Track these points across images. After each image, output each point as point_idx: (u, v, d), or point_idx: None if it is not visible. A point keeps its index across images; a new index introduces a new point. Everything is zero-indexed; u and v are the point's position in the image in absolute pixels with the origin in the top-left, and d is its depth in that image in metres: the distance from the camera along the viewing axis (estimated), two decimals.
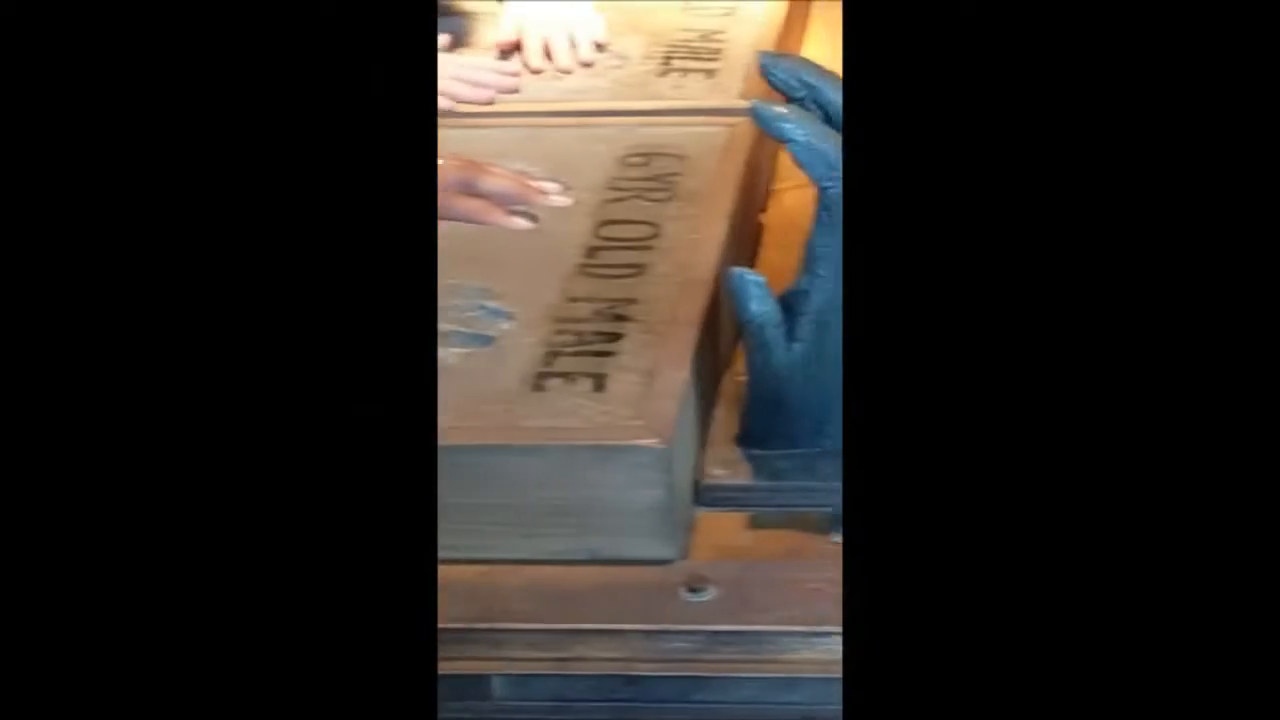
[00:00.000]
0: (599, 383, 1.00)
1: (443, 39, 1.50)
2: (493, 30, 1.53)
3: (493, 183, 1.20)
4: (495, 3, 1.58)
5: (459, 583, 0.94)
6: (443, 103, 1.35)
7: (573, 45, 1.45)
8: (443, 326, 1.06)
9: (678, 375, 1.00)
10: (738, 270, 0.99)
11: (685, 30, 1.50)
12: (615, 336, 1.04)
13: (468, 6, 1.60)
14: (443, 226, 1.17)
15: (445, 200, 1.19)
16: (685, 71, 1.41)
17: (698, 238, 1.14)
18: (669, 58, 1.44)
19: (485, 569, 0.95)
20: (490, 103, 1.39)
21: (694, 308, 1.06)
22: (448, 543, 0.94)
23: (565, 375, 1.01)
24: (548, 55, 1.45)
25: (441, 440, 0.95)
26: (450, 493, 0.94)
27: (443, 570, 0.93)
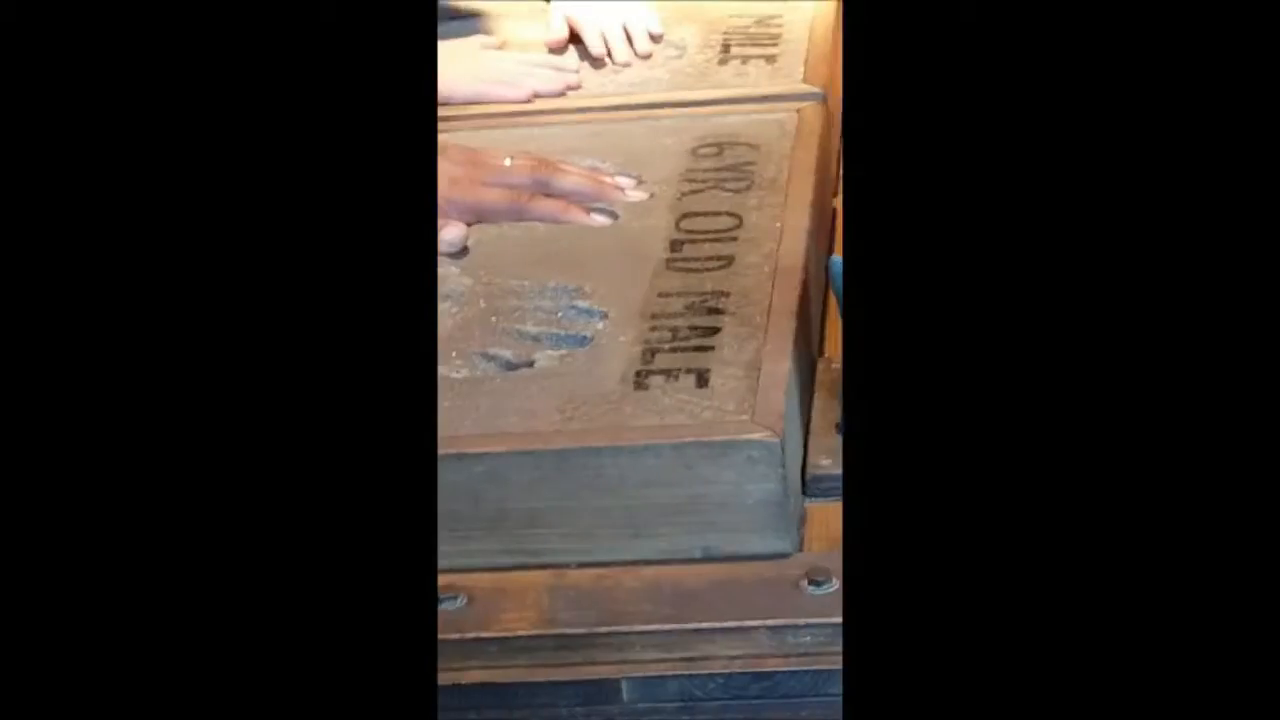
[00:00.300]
0: (702, 378, 0.99)
1: (494, 39, 1.49)
2: (535, 28, 1.51)
3: (569, 181, 1.19)
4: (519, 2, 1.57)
5: (577, 587, 0.93)
6: (514, 93, 1.35)
7: (629, 38, 1.44)
8: (534, 328, 1.06)
9: (781, 367, 0.99)
10: (839, 258, 0.97)
11: (739, 16, 1.48)
12: (712, 331, 1.03)
13: (485, 7, 1.58)
14: (523, 227, 1.17)
15: (522, 201, 1.18)
16: (745, 59, 1.40)
17: (782, 226, 1.13)
18: (727, 45, 1.43)
19: (601, 572, 0.94)
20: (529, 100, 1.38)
21: (789, 297, 1.05)
22: (561, 547, 0.95)
23: (666, 372, 1.00)
24: (605, 50, 1.44)
25: (547, 444, 0.95)
26: (560, 496, 0.94)
27: (559, 575, 0.94)
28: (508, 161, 1.20)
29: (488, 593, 0.93)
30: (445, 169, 1.19)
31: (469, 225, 1.17)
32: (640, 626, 0.91)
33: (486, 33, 1.51)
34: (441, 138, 1.26)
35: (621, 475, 0.94)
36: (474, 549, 0.95)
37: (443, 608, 0.92)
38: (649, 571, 0.94)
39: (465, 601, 0.93)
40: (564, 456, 0.94)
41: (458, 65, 1.39)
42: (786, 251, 1.10)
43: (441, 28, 1.49)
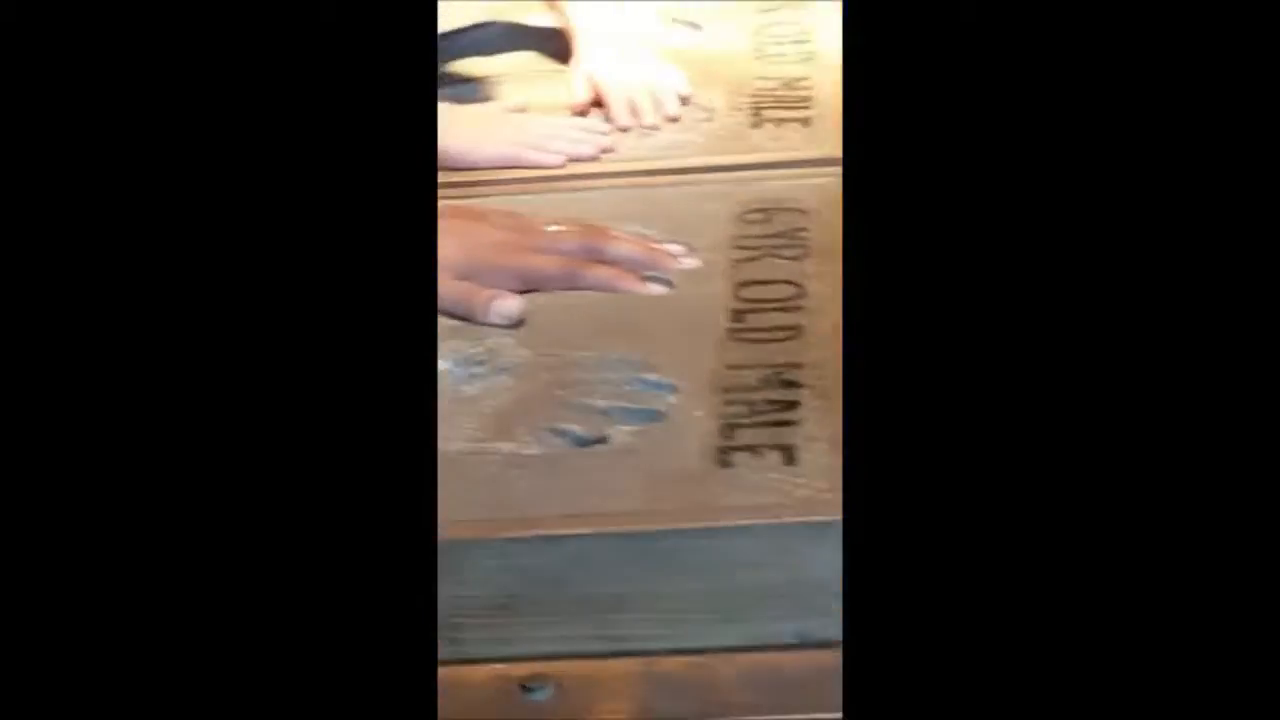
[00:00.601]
0: (788, 454, 0.95)
1: (516, 102, 1.45)
2: (554, 90, 1.48)
3: (621, 247, 1.15)
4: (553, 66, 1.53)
5: (670, 675, 0.89)
6: (547, 158, 1.32)
7: (656, 100, 1.41)
8: (603, 402, 1.01)
9: None
10: None
11: (766, 79, 1.45)
12: (791, 404, 0.99)
13: (492, 70, 1.54)
14: (577, 296, 1.13)
15: (573, 268, 1.14)
16: (779, 122, 1.37)
17: None
18: (758, 108, 1.40)
19: (695, 659, 0.90)
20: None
21: None
22: (651, 632, 0.91)
23: (750, 449, 0.96)
24: (632, 113, 1.40)
25: (635, 525, 0.91)
26: (649, 580, 0.90)
27: (650, 663, 0.90)
28: (554, 228, 1.16)
29: (577, 681, 0.89)
30: (489, 234, 1.15)
31: (519, 293, 1.12)
32: (746, 718, 0.86)
33: (489, 97, 1.48)
34: (478, 203, 1.23)
35: (713, 558, 0.90)
36: (559, 635, 0.91)
37: (532, 698, 0.88)
38: (744, 658, 0.90)
39: (555, 691, 0.88)
40: (654, 539, 0.90)
41: (484, 129, 1.35)
42: None
43: (442, 92, 1.46)
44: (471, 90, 1.49)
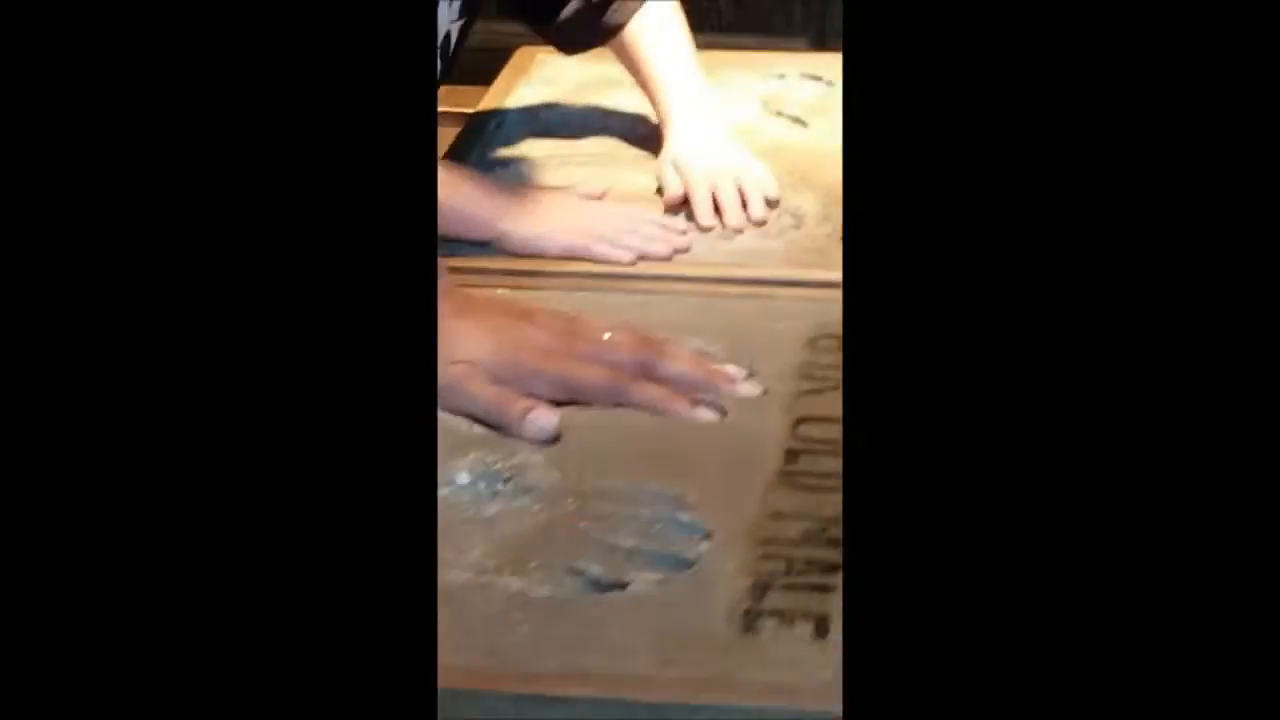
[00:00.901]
0: (821, 626, 0.85)
1: (595, 188, 1.36)
2: (636, 176, 1.39)
3: (675, 365, 1.06)
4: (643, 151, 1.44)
5: None
6: (617, 254, 1.23)
7: (743, 200, 1.32)
8: (629, 541, 0.92)
9: None
10: None
11: None
12: (833, 567, 0.90)
13: (531, 151, 1.45)
14: (618, 415, 1.04)
15: (620, 383, 1.05)
16: None
17: None
18: None
19: None
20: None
21: None
22: None
23: (780, 614, 0.86)
24: (714, 211, 1.31)
25: (641, 693, 0.82)
26: None
27: None
28: (607, 336, 1.07)
29: None
30: (534, 336, 1.06)
31: (558, 404, 1.03)
32: None
33: (534, 180, 1.38)
34: (529, 298, 1.14)
35: None
36: None
37: None
38: None
39: None
40: (659, 711, 0.81)
41: (554, 215, 1.27)
42: None
43: (497, 172, 1.37)
44: (517, 173, 1.40)
